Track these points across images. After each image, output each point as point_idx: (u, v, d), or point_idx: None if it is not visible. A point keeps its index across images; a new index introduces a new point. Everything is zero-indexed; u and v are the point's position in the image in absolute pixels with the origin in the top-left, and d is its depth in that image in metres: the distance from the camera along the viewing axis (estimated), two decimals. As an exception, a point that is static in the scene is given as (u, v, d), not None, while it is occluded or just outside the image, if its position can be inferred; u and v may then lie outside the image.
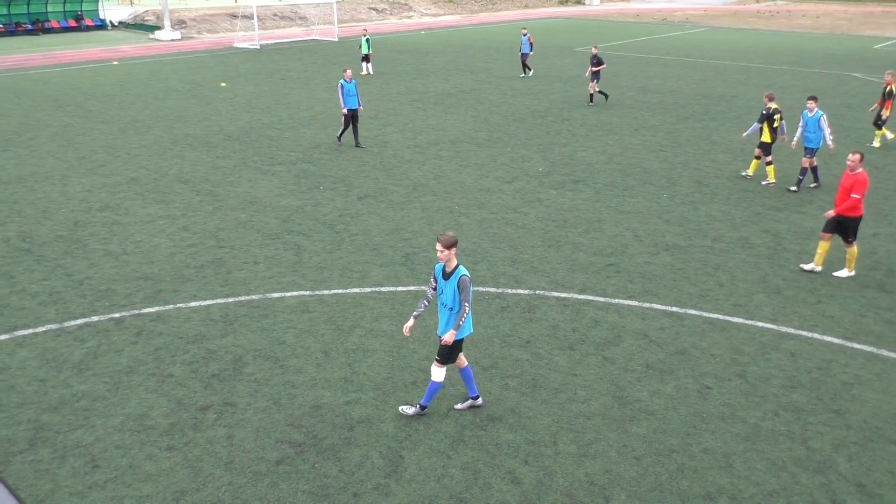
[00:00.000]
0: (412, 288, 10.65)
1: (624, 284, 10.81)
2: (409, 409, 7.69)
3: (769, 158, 15.47)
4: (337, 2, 50.67)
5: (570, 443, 7.25)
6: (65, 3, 49.85)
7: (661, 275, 11.17)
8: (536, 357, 8.83)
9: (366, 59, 30.40)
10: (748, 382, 8.32)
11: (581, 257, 11.79)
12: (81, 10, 50.07)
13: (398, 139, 19.44)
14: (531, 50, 29.60)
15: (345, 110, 18.24)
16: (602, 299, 10.34)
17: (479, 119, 21.94)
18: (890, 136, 19.07)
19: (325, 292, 10.52)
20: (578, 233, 12.88)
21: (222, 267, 11.37)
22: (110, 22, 51.16)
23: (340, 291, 10.55)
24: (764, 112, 15.26)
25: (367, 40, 30.27)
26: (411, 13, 62.73)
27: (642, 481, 6.72)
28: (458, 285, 7.04)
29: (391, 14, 61.36)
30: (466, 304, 7.05)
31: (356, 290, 10.61)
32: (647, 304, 10.20)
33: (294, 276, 11.06)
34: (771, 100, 15.40)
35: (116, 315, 9.79)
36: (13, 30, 46.47)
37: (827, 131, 14.85)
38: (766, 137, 15.38)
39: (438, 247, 7.00)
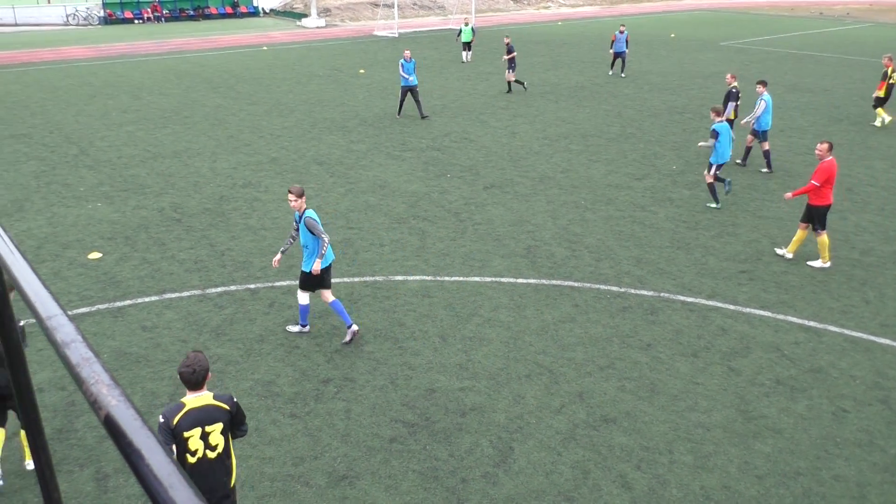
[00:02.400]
0: (532, 280, 10.58)
1: (757, 293, 10.21)
2: (293, 328, 9.08)
3: None
4: (475, -9, 50.82)
5: (687, 453, 6.96)
6: (223, -10, 53.28)
7: (799, 286, 10.45)
8: (656, 361, 8.53)
9: (467, 46, 30.99)
10: (891, 409, 7.64)
11: (712, 261, 11.25)
12: (238, -2, 53.28)
13: (527, 130, 19.30)
14: (627, 48, 27.43)
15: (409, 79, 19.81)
16: (732, 307, 9.82)
17: (611, 113, 21.38)
18: (888, 119, 19.60)
19: (446, 279, 10.65)
20: (710, 236, 12.29)
21: (350, 247, 11.78)
22: (263, 9, 54.02)
23: (461, 279, 10.65)
24: None
25: (473, 29, 31.00)
26: (549, 3, 61.91)
27: (763, 502, 6.34)
28: (305, 224, 8.53)
29: (528, 4, 60.85)
30: (324, 236, 8.53)
31: (476, 278, 10.67)
32: (781, 316, 9.59)
33: (417, 260, 11.28)
34: None
35: (252, 286, 10.39)
36: (177, 15, 50.18)
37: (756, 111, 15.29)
38: None
39: (291, 197, 8.57)
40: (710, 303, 9.96)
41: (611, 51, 27.50)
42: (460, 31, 31.27)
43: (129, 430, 0.87)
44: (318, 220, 8.65)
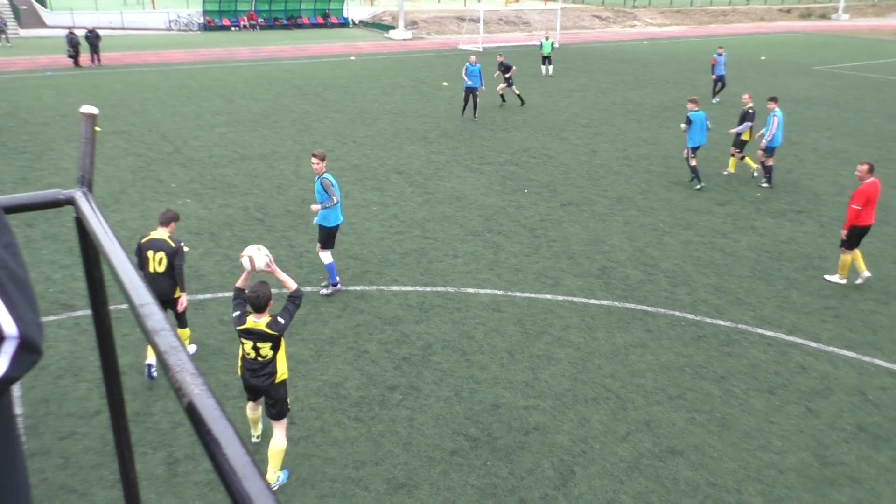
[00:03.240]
0: (605, 302, 10.39)
1: (842, 332, 9.71)
2: (326, 290, 10.12)
3: None
4: (561, 9, 50.68)
5: (757, 494, 6.66)
6: (315, 1, 54.94)
7: (889, 327, 9.88)
8: (730, 395, 8.21)
9: (547, 60, 31.47)
10: None
11: (794, 295, 10.78)
12: (329, 9, 54.85)
13: (608, 150, 19.04)
14: (724, 71, 26.40)
15: (467, 83, 21.76)
16: (814, 344, 9.37)
17: (696, 136, 20.81)
18: None
19: (518, 294, 10.59)
20: (794, 268, 11.78)
21: (424, 256, 11.87)
22: (352, 20, 55.46)
23: (532, 295, 10.56)
24: None
25: (552, 44, 31.55)
26: (635, 22, 61.06)
27: (838, 552, 6.00)
28: (322, 184, 9.84)
29: (614, 22, 60.20)
30: (334, 197, 9.87)
31: (548, 296, 10.56)
32: (867, 358, 9.08)
33: (490, 274, 11.26)
34: None
35: (326, 289, 10.59)
36: (271, 24, 52.08)
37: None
38: None
39: (315, 161, 9.81)
40: (791, 338, 9.53)
41: (712, 76, 26.60)
42: (541, 44, 31.82)
43: (210, 418, 0.90)
44: (335, 183, 10.01)
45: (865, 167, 10.80)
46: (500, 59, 24.72)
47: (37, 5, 50.97)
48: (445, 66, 34.43)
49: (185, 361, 0.99)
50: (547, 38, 31.78)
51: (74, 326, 9.41)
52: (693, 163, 15.43)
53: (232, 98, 24.99)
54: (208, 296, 10.35)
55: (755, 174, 16.51)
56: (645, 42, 47.92)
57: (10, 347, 0.95)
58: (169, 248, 8.04)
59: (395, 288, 10.73)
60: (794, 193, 15.67)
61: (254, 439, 7.23)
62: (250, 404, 6.95)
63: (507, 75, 24.06)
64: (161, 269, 8.00)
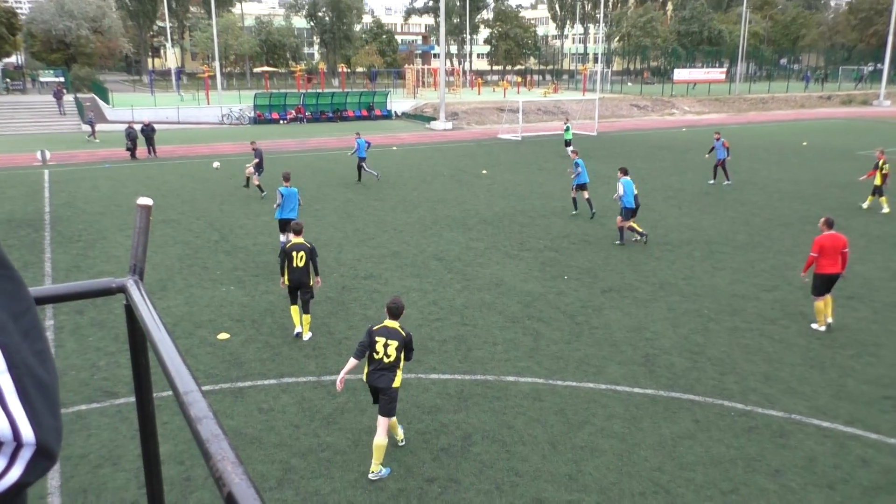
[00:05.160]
0: (650, 391, 10.12)
1: (905, 423, 9.23)
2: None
3: None
4: (599, 98, 51.86)
5: None
6: (360, 95, 57.39)
7: (955, 419, 9.37)
8: (786, 490, 7.80)
9: (567, 144, 33.84)
10: None
11: (850, 384, 10.35)
12: (373, 102, 57.12)
13: (649, 235, 18.98)
14: (728, 155, 26.77)
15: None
16: (874, 436, 8.91)
17: (738, 220, 20.70)
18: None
19: (559, 383, 10.39)
20: (849, 355, 11.36)
21: (463, 344, 11.81)
22: (395, 112, 57.53)
23: (574, 384, 10.35)
24: None
25: (568, 128, 34.67)
26: (674, 110, 61.98)
27: None
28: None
29: (653, 111, 61.20)
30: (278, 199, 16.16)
31: (591, 384, 10.34)
32: (934, 452, 8.58)
33: (530, 361, 11.11)
34: None
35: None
36: (318, 117, 54.36)
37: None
38: None
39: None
40: (849, 429, 9.09)
41: (706, 156, 28.42)
42: (566, 129, 34.82)
43: (248, 509, 0.91)
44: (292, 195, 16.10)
45: (822, 220, 12.49)
46: (252, 146, 25.32)
47: (100, 102, 54.24)
48: (485, 154, 35.23)
49: (227, 450, 1.01)
50: (567, 122, 35.26)
51: (116, 414, 9.51)
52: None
53: (276, 187, 25.82)
54: (248, 383, 10.40)
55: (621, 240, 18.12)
56: (684, 129, 48.47)
57: (27, 453, 0.97)
58: (307, 248, 11.64)
59: (433, 376, 10.64)
60: (844, 279, 15.28)
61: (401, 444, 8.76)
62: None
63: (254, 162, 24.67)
64: (301, 263, 11.56)
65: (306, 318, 11.89)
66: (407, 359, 8.20)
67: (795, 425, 9.19)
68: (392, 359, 7.95)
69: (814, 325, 12.52)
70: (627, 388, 10.21)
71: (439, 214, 21.55)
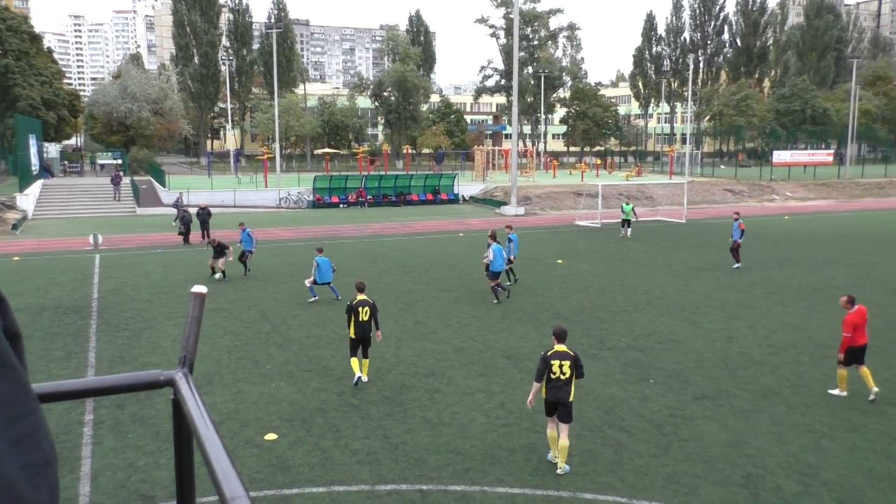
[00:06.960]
0: (752, 518, 9.55)
1: None
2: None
3: None
4: (688, 182, 51.69)
5: None
6: (426, 178, 58.94)
7: None
8: None
9: (626, 223, 36.75)
10: None
11: None
12: (439, 186, 58.52)
13: (747, 336, 18.40)
14: (741, 237, 28.39)
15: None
16: None
17: (853, 321, 19.84)
18: None
19: (645, 503, 9.95)
20: None
21: (534, 453, 11.51)
22: (463, 196, 58.69)
23: (662, 506, 9.88)
24: None
25: (632, 207, 37.11)
26: (774, 196, 61.07)
27: None
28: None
29: (749, 196, 60.46)
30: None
31: (681, 507, 9.85)
32: None
33: (610, 477, 10.71)
34: None
35: (423, 487, 10.37)
36: (380, 201, 55.92)
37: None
38: None
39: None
40: None
41: (730, 239, 28.80)
42: (622, 208, 37.26)
43: None
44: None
45: (844, 299, 14.01)
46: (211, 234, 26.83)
47: (156, 185, 57.41)
48: (561, 242, 35.29)
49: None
50: (627, 203, 37.72)
51: (152, 518, 9.57)
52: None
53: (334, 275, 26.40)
54: (294, 490, 10.35)
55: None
56: (786, 217, 47.58)
57: None
58: (370, 304, 14.45)
59: (500, 489, 10.36)
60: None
61: (553, 460, 10.97)
62: (550, 424, 10.89)
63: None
64: (366, 317, 14.24)
65: (365, 362, 14.53)
66: (579, 376, 10.52)
67: (933, 567, 8.47)
68: (567, 375, 10.41)
69: (834, 392, 13.91)
70: (726, 514, 9.66)
71: (509, 308, 21.50)
